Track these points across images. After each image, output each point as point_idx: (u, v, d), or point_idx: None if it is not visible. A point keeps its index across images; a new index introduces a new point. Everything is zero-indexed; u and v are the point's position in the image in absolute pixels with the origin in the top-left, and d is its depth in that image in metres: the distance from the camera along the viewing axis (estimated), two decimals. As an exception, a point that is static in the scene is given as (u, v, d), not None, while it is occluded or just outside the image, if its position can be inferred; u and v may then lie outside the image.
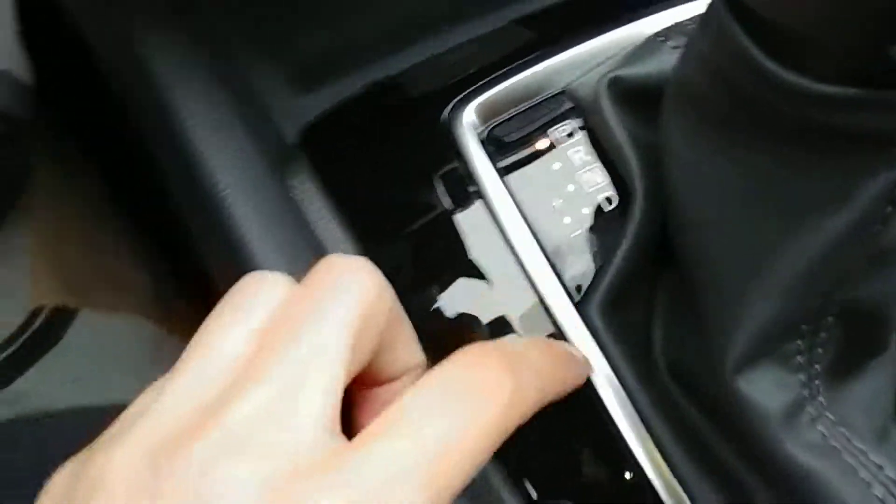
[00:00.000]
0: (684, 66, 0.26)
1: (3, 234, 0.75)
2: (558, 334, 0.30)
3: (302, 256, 0.32)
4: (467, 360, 0.21)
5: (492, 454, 0.20)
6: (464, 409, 0.19)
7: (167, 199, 0.45)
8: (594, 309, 0.29)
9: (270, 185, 0.33)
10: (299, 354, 0.19)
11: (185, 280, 0.63)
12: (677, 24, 0.32)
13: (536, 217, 0.31)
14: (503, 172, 0.32)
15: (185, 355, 0.20)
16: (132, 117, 0.41)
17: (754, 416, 0.25)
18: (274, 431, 0.18)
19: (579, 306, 0.29)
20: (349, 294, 0.20)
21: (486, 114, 0.32)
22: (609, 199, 0.31)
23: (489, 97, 0.32)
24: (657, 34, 0.31)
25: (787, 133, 0.23)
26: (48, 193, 0.69)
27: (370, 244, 0.33)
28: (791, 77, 0.22)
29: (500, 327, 0.31)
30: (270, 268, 0.32)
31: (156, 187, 0.47)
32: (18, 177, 0.77)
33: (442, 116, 0.32)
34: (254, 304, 0.21)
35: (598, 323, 0.29)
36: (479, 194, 0.32)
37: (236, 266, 0.32)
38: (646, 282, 0.30)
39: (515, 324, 0.30)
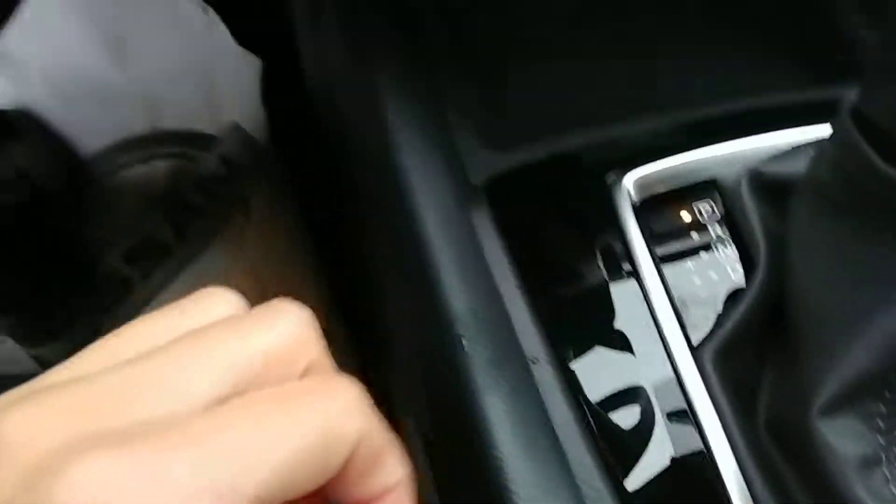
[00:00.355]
0: (815, 165, 0.33)
1: (209, 254, 0.89)
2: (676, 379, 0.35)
3: (477, 280, 0.40)
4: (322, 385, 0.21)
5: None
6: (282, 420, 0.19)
7: (361, 223, 0.55)
8: (708, 356, 0.35)
9: (458, 216, 0.41)
10: (176, 377, 0.19)
11: (352, 304, 0.73)
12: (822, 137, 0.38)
13: (672, 275, 0.37)
14: (652, 240, 0.38)
15: (114, 332, 0.21)
16: (354, 149, 0.52)
17: (832, 459, 0.29)
18: (96, 413, 0.18)
19: (695, 351, 0.35)
20: (257, 338, 0.20)
21: (644, 186, 0.39)
22: (736, 270, 0.37)
23: (649, 172, 0.39)
24: (804, 143, 0.38)
25: (893, 220, 0.28)
26: (257, 225, 0.83)
27: (530, 292, 0.40)
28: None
29: (633, 397, 0.36)
30: (448, 284, 0.40)
31: (353, 213, 0.57)
32: (230, 210, 0.91)
33: (606, 181, 0.40)
34: (191, 314, 0.21)
35: (710, 370, 0.35)
36: (632, 264, 0.38)
37: (420, 283, 0.40)
38: (757, 346, 0.35)
39: (649, 392, 0.36)
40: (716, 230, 0.38)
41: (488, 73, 0.47)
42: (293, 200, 0.84)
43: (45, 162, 0.95)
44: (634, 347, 0.37)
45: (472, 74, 0.47)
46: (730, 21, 0.47)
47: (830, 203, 0.31)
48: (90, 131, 0.99)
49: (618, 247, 0.39)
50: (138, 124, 1.00)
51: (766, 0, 0.48)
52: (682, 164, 0.39)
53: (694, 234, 0.38)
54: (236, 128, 0.98)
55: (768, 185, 0.36)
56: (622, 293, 0.38)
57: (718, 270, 0.37)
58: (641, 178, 0.39)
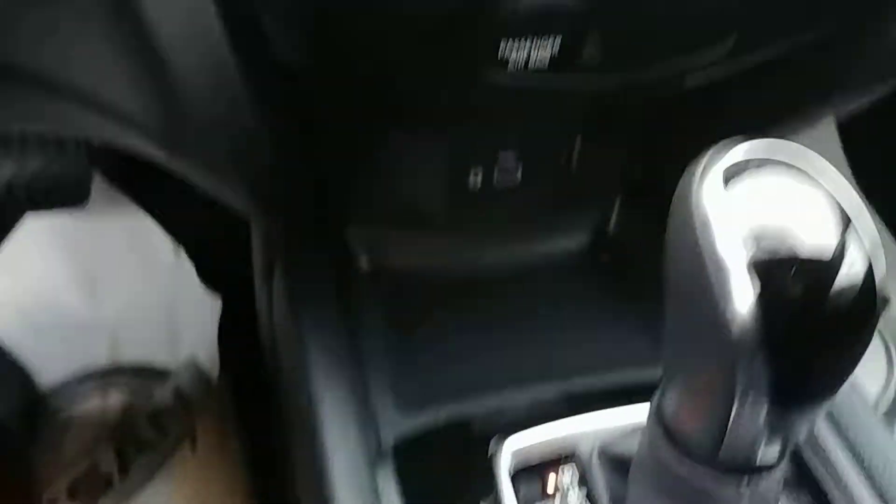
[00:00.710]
0: (639, 446, 0.41)
1: (152, 488, 0.94)
2: None
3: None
4: None
5: None
6: None
7: (289, 466, 0.62)
8: None
9: (364, 475, 0.49)
10: None
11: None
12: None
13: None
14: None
15: None
16: (284, 397, 0.60)
17: None
18: None
19: None
20: None
21: (518, 454, 0.48)
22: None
23: (523, 445, 0.48)
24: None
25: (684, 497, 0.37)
26: (202, 458, 0.89)
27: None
28: (681, 464, 0.36)
29: None
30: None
31: (283, 455, 0.64)
32: (177, 444, 0.98)
33: (489, 448, 0.48)
34: None
35: None
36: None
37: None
38: None
39: None
40: (575, 496, 0.45)
41: (403, 346, 0.57)
42: (238, 435, 0.91)
43: (2, 392, 1.02)
44: None
45: (390, 346, 0.57)
46: (607, 306, 0.58)
47: (646, 480, 0.39)
48: (53, 362, 1.07)
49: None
50: (99, 356, 1.08)
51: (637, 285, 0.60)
52: (551, 436, 0.48)
53: (557, 499, 0.46)
54: (192, 362, 1.07)
55: (615, 459, 0.45)
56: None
57: (577, 533, 0.44)
58: (517, 448, 0.48)
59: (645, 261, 0.65)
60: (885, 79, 0.53)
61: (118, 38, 0.36)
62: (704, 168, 0.29)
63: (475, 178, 0.57)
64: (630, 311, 0.60)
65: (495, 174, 0.58)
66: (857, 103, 0.55)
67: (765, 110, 0.56)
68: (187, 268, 1.06)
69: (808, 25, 0.41)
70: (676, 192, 0.29)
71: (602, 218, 0.67)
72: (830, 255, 0.27)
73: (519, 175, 0.58)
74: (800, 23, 0.41)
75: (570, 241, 0.67)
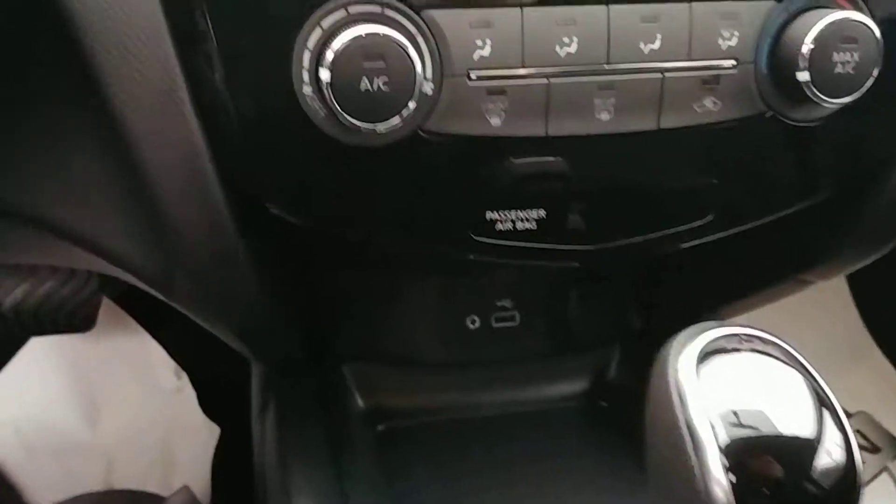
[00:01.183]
0: None
1: None
2: None
3: None
4: None
5: None
6: None
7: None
8: None
9: None
10: None
11: None
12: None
13: None
14: None
15: None
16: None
17: None
18: None
19: None
20: None
21: None
22: None
23: None
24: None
25: None
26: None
27: None
28: None
29: None
30: None
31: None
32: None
33: None
34: None
35: None
36: None
37: None
38: None
39: None
40: None
41: (391, 497, 0.56)
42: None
43: (-9, 514, 1.01)
44: None
45: (378, 496, 0.56)
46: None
47: None
48: (47, 484, 1.05)
49: None
50: (94, 481, 1.07)
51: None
52: None
53: None
54: (185, 490, 1.05)
55: None
56: None
57: None
58: None
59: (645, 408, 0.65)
60: (889, 238, 0.54)
61: (117, 187, 0.38)
62: (681, 347, 0.29)
63: (474, 321, 0.58)
64: (628, 461, 0.60)
65: (493, 318, 0.59)
66: (861, 261, 0.56)
67: (760, 262, 0.57)
68: (187, 394, 1.06)
69: (787, 203, 0.42)
70: (654, 370, 0.30)
71: (602, 363, 0.67)
72: (808, 441, 0.27)
73: (517, 319, 0.59)
74: (778, 202, 0.42)
75: (569, 386, 0.67)
